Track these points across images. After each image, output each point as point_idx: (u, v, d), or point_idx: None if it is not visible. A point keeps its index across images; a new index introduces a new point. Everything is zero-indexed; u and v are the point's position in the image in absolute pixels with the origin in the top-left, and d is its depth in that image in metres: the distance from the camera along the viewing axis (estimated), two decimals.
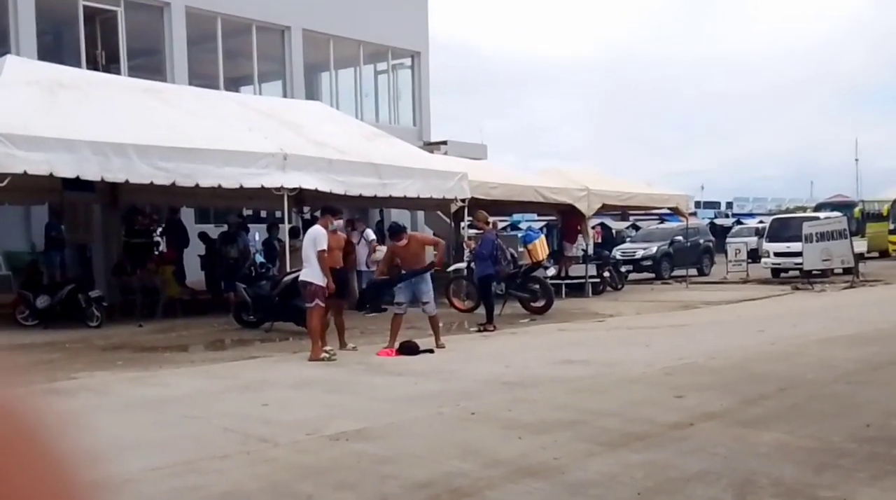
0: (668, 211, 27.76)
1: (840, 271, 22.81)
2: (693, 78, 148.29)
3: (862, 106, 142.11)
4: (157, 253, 18.33)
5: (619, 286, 21.89)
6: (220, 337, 13.50)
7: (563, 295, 18.93)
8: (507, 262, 14.84)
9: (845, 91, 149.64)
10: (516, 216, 32.44)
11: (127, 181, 12.97)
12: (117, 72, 19.65)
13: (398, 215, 22.06)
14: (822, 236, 22.22)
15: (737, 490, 4.83)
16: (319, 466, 5.55)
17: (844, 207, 32.35)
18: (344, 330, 11.59)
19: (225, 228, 19.48)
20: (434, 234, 23.77)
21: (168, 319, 15.27)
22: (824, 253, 22.02)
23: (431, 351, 11.02)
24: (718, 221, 45.77)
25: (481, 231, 15.00)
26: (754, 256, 27.81)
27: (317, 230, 10.99)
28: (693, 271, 25.87)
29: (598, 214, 23.44)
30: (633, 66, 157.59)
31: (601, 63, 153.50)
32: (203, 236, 19.10)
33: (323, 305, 10.74)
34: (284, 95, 23.54)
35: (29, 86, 13.39)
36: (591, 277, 20.46)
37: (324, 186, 14.48)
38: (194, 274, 18.85)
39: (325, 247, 10.71)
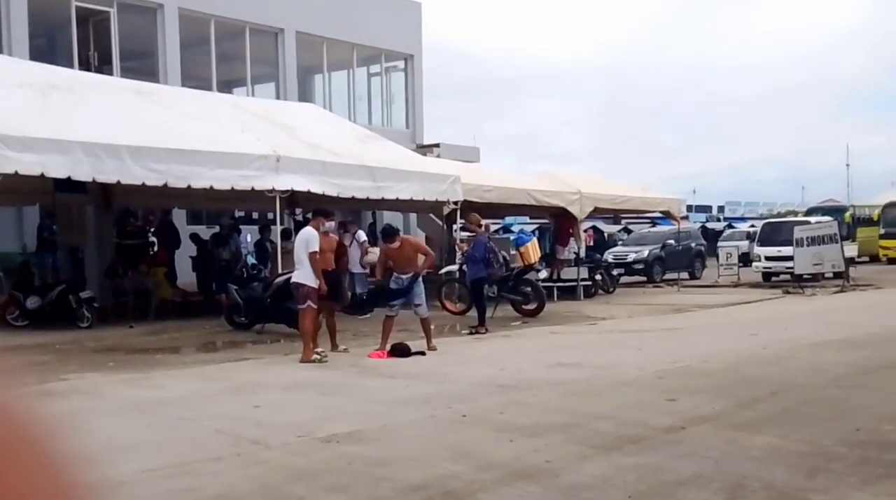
0: (660, 215, 27.84)
1: (831, 275, 22.89)
2: (690, 81, 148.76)
3: (856, 111, 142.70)
4: (152, 253, 18.27)
5: (611, 289, 21.91)
6: (211, 339, 13.47)
7: (555, 298, 18.95)
8: (499, 265, 14.85)
9: (839, 96, 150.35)
10: (509, 219, 32.46)
11: (119, 183, 12.94)
12: (110, 73, 19.62)
13: (391, 218, 22.10)
14: (813, 241, 22.29)
15: (728, 494, 4.85)
16: (311, 468, 5.55)
17: (835, 211, 32.45)
18: (336, 332, 11.59)
19: (217, 229, 19.45)
20: (427, 236, 23.81)
21: (160, 320, 15.23)
22: (815, 257, 22.09)
23: (423, 353, 11.02)
24: (710, 225, 45.86)
25: (474, 234, 15.01)
26: (745, 259, 27.87)
27: (309, 232, 10.99)
28: (684, 275, 25.91)
29: (590, 217, 23.48)
30: (631, 69, 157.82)
31: (599, 66, 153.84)
32: (195, 238, 19.06)
33: (315, 306, 10.73)
34: (278, 98, 23.55)
35: (21, 87, 13.36)
36: (583, 280, 20.49)
37: (317, 189, 14.48)
38: (186, 276, 18.81)
39: (316, 249, 10.70)
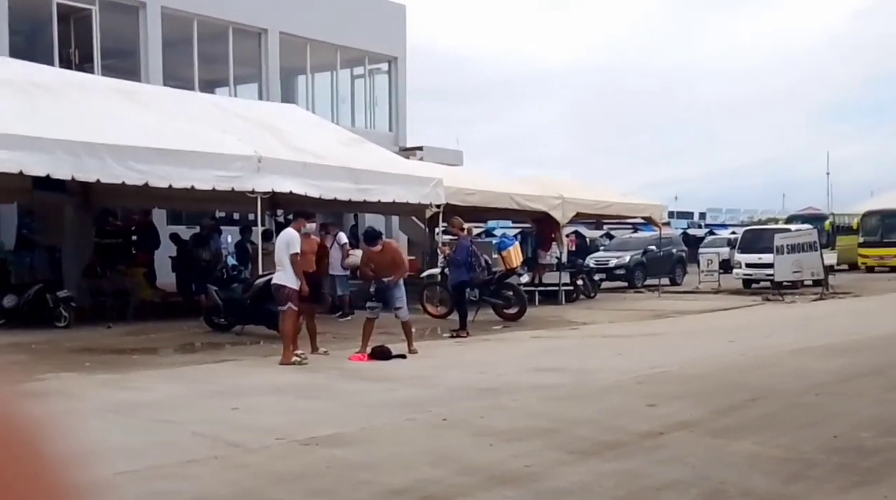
0: (642, 220, 27.93)
1: (810, 282, 23.05)
2: (673, 88, 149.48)
3: (837, 121, 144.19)
4: (133, 253, 18.12)
5: (593, 294, 21.98)
6: (190, 340, 13.38)
7: (537, 302, 18.97)
8: (481, 268, 14.84)
9: (821, 105, 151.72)
10: (491, 223, 32.47)
11: (99, 181, 12.84)
12: (91, 72, 19.46)
13: (373, 220, 22.02)
14: (793, 248, 22.43)
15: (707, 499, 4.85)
16: (291, 472, 5.50)
17: (815, 219, 32.69)
18: (316, 334, 11.53)
19: (197, 230, 19.32)
20: (409, 239, 23.81)
21: (138, 321, 15.11)
22: (795, 265, 22.23)
23: (404, 357, 10.99)
24: (691, 232, 46.08)
25: (456, 237, 15.00)
26: (726, 266, 28.02)
27: (290, 234, 10.93)
28: (666, 281, 26.02)
29: (572, 222, 23.53)
30: (615, 76, 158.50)
31: (583, 72, 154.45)
32: (174, 238, 18.92)
33: (296, 308, 10.68)
34: (260, 98, 23.46)
35: (0, 85, 13.23)
36: (565, 284, 20.52)
37: (298, 190, 14.41)
38: (165, 276, 18.68)
39: (298, 250, 10.66)
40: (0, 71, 13.88)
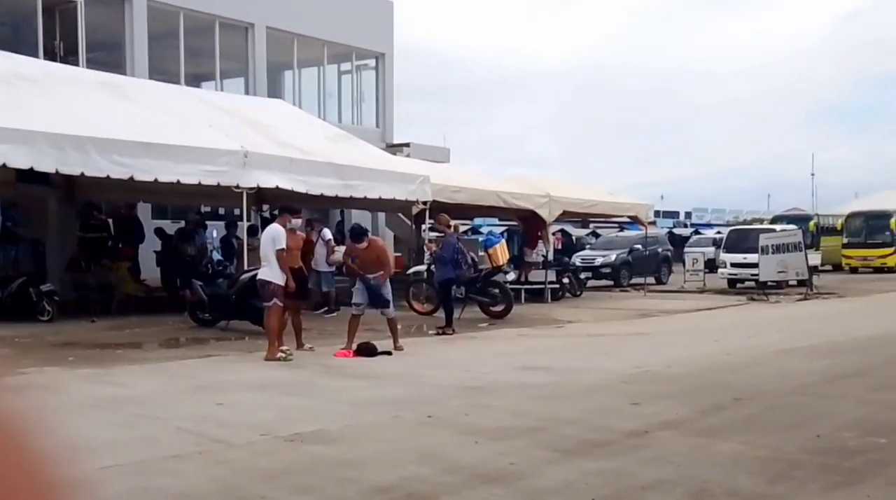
0: (628, 219, 28.00)
1: (794, 283, 23.17)
2: (660, 90, 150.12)
3: (822, 123, 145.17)
4: (118, 246, 17.99)
5: (579, 293, 22.02)
6: (175, 335, 13.32)
7: (523, 300, 18.98)
8: (467, 266, 14.83)
9: (806, 108, 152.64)
10: (478, 221, 32.50)
11: (83, 175, 12.74)
12: (76, 64, 19.28)
13: (359, 216, 21.99)
14: (778, 249, 22.56)
15: (691, 499, 4.86)
16: (275, 468, 5.48)
17: (800, 220, 32.86)
18: (301, 330, 11.50)
19: (182, 224, 19.22)
20: (395, 236, 23.78)
21: (122, 316, 15.02)
22: (780, 265, 22.35)
23: (389, 353, 10.97)
24: (677, 231, 46.25)
25: (443, 234, 14.98)
26: (711, 266, 28.15)
27: (275, 229, 10.88)
28: (651, 280, 26.11)
29: (558, 220, 23.56)
30: (601, 77, 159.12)
31: (570, 73, 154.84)
32: (159, 232, 18.81)
33: (281, 304, 10.64)
34: (247, 93, 23.33)
35: None
36: (551, 283, 20.55)
37: (284, 185, 14.36)
38: (149, 271, 18.57)
39: (284, 246, 10.61)
40: None
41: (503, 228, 31.44)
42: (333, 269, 15.99)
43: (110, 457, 5.54)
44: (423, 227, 18.09)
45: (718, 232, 39.65)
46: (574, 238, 37.20)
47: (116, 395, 8.07)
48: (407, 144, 26.46)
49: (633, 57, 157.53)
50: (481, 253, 16.93)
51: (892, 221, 34.97)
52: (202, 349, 11.69)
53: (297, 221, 11.62)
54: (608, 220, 34.65)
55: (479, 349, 12.08)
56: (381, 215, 23.33)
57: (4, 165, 11.80)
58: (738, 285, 25.09)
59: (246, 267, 14.03)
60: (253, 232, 15.34)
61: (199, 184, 13.59)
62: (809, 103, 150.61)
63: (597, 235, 37.16)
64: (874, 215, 35.78)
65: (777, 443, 6.10)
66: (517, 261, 20.91)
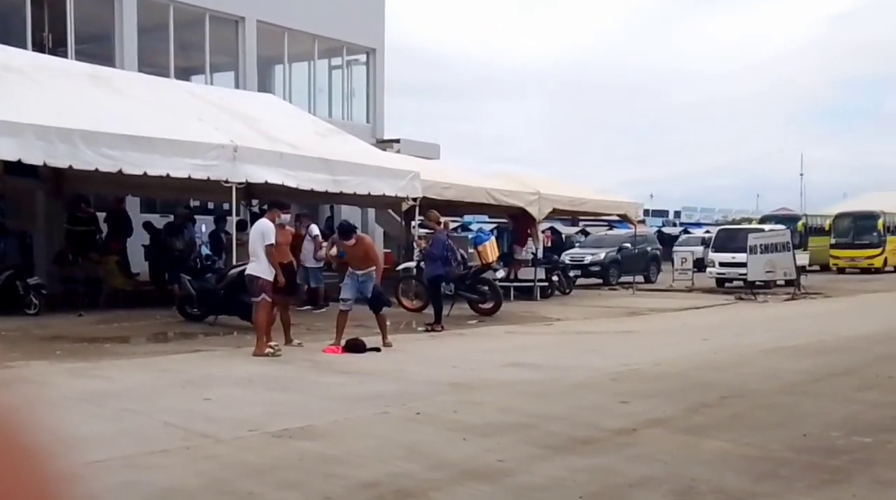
0: (617, 218, 28.06)
1: (782, 282, 23.26)
2: (649, 88, 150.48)
3: (810, 124, 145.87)
4: (104, 240, 17.92)
5: (568, 291, 22.06)
6: (163, 330, 13.27)
7: (512, 298, 19.00)
8: (457, 263, 14.84)
9: (794, 108, 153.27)
10: (467, 218, 32.49)
11: (71, 167, 12.68)
12: (65, 56, 19.19)
13: (349, 212, 21.95)
14: (767, 248, 22.64)
15: (678, 496, 4.87)
16: (262, 463, 5.47)
17: (788, 220, 33.03)
18: (290, 326, 11.48)
19: (171, 218, 19.15)
20: (385, 232, 23.75)
21: (110, 310, 14.96)
22: (768, 265, 22.43)
23: (378, 350, 10.97)
24: (666, 230, 46.39)
25: (432, 231, 14.97)
26: (700, 265, 28.24)
27: (264, 224, 10.84)
28: (640, 278, 26.18)
29: (548, 218, 23.58)
30: (591, 75, 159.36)
31: (559, 70, 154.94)
32: (147, 226, 18.74)
33: (270, 299, 10.61)
34: (237, 87, 23.26)
35: None
36: (540, 280, 20.58)
37: (273, 180, 14.32)
38: (138, 265, 18.50)
39: (273, 241, 10.58)
40: None
41: (493, 226, 31.44)
42: (321, 265, 15.94)
43: (97, 451, 5.51)
44: (413, 223, 18.08)
45: (707, 231, 39.82)
46: (563, 236, 37.24)
47: (104, 389, 8.04)
48: (397, 140, 26.42)
49: (622, 55, 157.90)
50: (471, 250, 16.94)
51: (880, 222, 35.18)
52: (190, 344, 11.66)
53: (286, 217, 11.59)
54: (598, 218, 34.73)
55: (468, 346, 12.09)
56: (371, 211, 23.29)
57: None
58: (727, 285, 25.19)
59: (235, 262, 14.00)
60: (242, 227, 15.30)
61: (189, 178, 13.54)
62: (797, 104, 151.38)
63: (586, 234, 37.24)
64: (862, 216, 35.98)
65: (764, 441, 6.13)
66: (507, 258, 20.92)
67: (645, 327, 15.13)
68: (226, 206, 16.78)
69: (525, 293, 20.10)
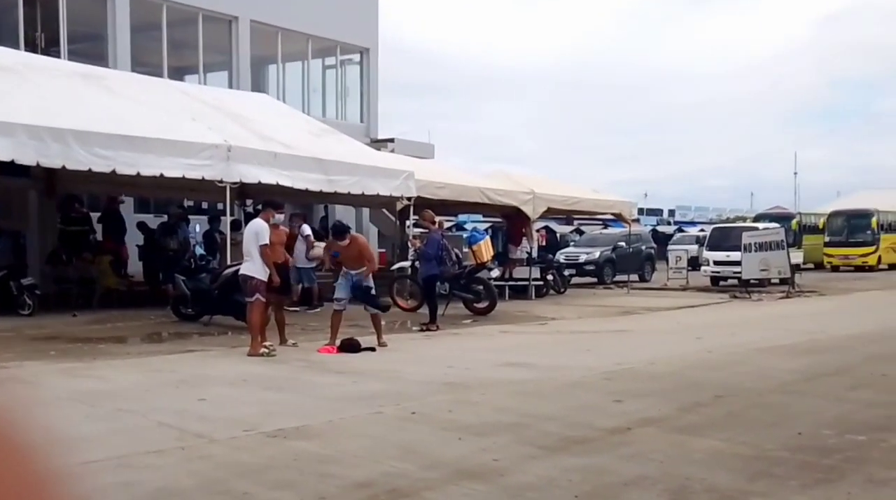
0: (611, 217, 28.09)
1: (777, 281, 23.31)
2: (645, 90, 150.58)
3: (803, 123, 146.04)
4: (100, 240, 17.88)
5: (562, 290, 22.07)
6: (157, 330, 13.26)
7: (507, 297, 19.01)
8: (451, 262, 14.84)
9: (789, 107, 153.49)
10: (462, 217, 32.51)
11: (64, 167, 12.65)
12: (57, 56, 19.13)
13: (343, 212, 21.94)
14: (761, 247, 22.67)
15: (672, 495, 4.88)
16: (256, 463, 5.46)
17: (783, 218, 33.06)
18: (284, 326, 11.47)
19: (165, 218, 19.12)
20: (379, 232, 23.73)
21: (104, 310, 14.93)
22: (762, 263, 22.47)
23: (373, 349, 10.96)
24: (661, 229, 46.45)
25: (427, 230, 14.97)
26: (694, 263, 28.29)
27: (259, 224, 10.83)
28: (635, 277, 26.21)
29: (542, 217, 23.60)
30: (584, 75, 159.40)
31: (552, 70, 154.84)
32: (142, 226, 18.71)
33: (264, 299, 10.60)
34: (230, 87, 23.21)
35: None
36: (535, 280, 20.60)
37: (267, 180, 14.30)
38: (133, 265, 18.48)
39: (267, 241, 10.57)
40: None
41: (487, 225, 31.46)
42: (313, 265, 15.90)
43: (91, 452, 5.50)
44: (408, 223, 18.08)
45: (702, 230, 39.89)
46: (558, 235, 37.30)
47: (98, 389, 8.03)
48: (391, 140, 26.42)
49: (617, 56, 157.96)
50: (465, 250, 16.94)
51: (874, 220, 35.31)
52: (184, 344, 11.65)
53: (280, 216, 11.58)
54: (592, 217, 34.77)
55: (463, 346, 12.10)
56: (366, 211, 23.29)
57: None
58: (721, 283, 25.24)
59: (229, 262, 13.98)
60: (236, 227, 15.27)
61: (183, 178, 13.52)
62: (790, 104, 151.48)
63: (581, 233, 37.29)
64: (856, 214, 36.10)
65: (757, 440, 6.14)
66: (501, 258, 20.93)
67: (639, 326, 15.15)
68: (220, 206, 16.73)
69: (520, 293, 20.11)
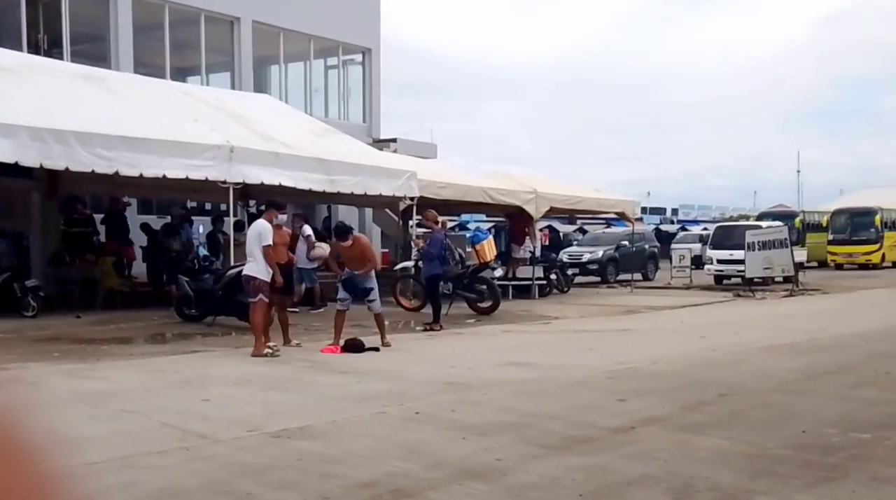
0: (614, 216, 28.06)
1: (780, 279, 23.28)
2: (647, 89, 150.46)
3: (803, 123, 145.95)
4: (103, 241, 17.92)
5: (566, 289, 22.05)
6: (160, 330, 13.26)
7: (510, 296, 19.00)
8: (455, 262, 14.84)
9: (789, 107, 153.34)
10: (465, 217, 32.51)
11: (67, 169, 12.66)
12: (59, 57, 19.15)
13: (346, 212, 21.94)
14: (764, 245, 22.63)
15: (676, 494, 4.87)
16: (260, 464, 5.47)
17: (786, 217, 33.01)
18: (288, 326, 11.47)
19: (168, 219, 19.15)
20: (382, 232, 23.74)
21: (107, 311, 14.95)
22: (766, 261, 22.43)
23: (377, 349, 10.96)
24: (664, 228, 46.44)
25: (430, 230, 14.97)
26: (698, 262, 28.26)
27: (262, 225, 10.84)
28: (638, 276, 26.17)
29: (545, 217, 23.59)
30: (585, 74, 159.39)
31: (554, 70, 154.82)
32: (145, 228, 18.74)
33: (267, 300, 10.60)
34: (233, 88, 23.23)
35: None
36: (538, 279, 20.58)
37: (270, 180, 14.31)
38: (136, 266, 18.50)
39: (270, 242, 10.57)
40: None
41: (490, 225, 31.45)
42: (315, 265, 15.87)
43: (95, 452, 5.51)
44: (411, 223, 18.08)
45: (705, 229, 39.86)
46: (561, 234, 37.24)
47: (101, 390, 8.03)
48: (394, 140, 26.41)
49: (619, 55, 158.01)
50: (468, 249, 16.92)
51: (877, 218, 35.24)
52: (188, 345, 11.66)
53: (283, 217, 11.59)
54: (595, 216, 34.75)
55: (466, 345, 12.09)
56: (368, 211, 23.29)
57: None
58: (725, 282, 25.20)
59: (232, 263, 13.99)
60: (239, 227, 15.30)
61: (186, 178, 13.53)
62: (790, 104, 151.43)
63: (584, 232, 37.26)
64: (859, 212, 36.04)
65: (761, 439, 6.13)
66: (504, 257, 20.92)
67: (642, 325, 15.13)
68: (223, 206, 16.75)
69: (523, 292, 20.10)
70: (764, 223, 28.09)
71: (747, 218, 40.00)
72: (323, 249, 14.99)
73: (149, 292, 17.38)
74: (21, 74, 13.96)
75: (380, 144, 24.98)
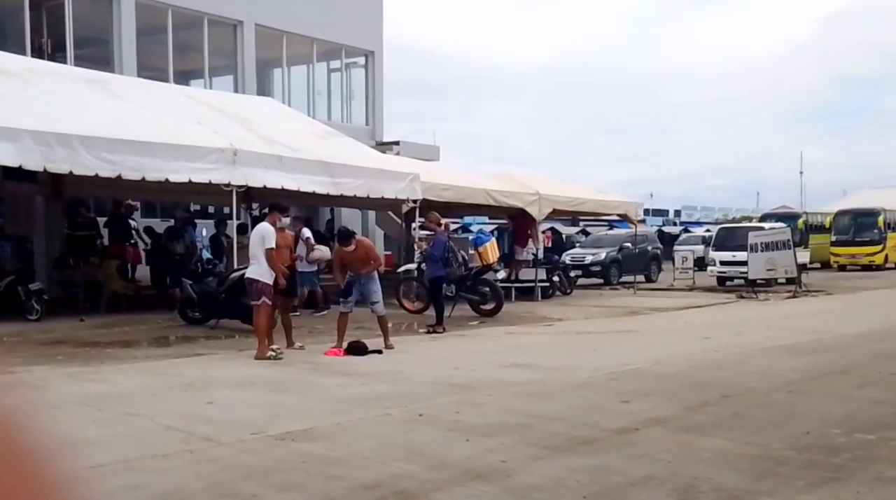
0: (617, 218, 28.06)
1: (783, 280, 23.26)
2: (648, 90, 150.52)
3: (804, 123, 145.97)
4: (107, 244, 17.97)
5: (568, 291, 22.05)
6: (164, 333, 13.27)
7: (513, 298, 19.01)
8: (458, 264, 14.84)
9: (790, 107, 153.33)
10: (468, 219, 32.52)
11: (71, 173, 12.68)
12: (63, 61, 19.19)
13: (349, 215, 21.97)
14: (767, 246, 22.62)
15: (680, 495, 4.87)
16: (264, 466, 5.47)
17: (789, 218, 33.01)
18: (291, 329, 11.48)
19: (171, 222, 19.18)
20: (385, 234, 23.75)
21: (111, 314, 14.97)
22: (769, 263, 22.42)
23: (380, 352, 10.97)
24: (666, 229, 46.43)
25: (433, 232, 14.98)
26: (701, 263, 28.25)
27: (265, 228, 10.85)
28: (641, 278, 26.17)
29: (548, 218, 23.60)
30: (587, 75, 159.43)
31: (557, 73, 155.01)
32: (148, 231, 18.78)
33: (270, 302, 10.61)
34: (236, 91, 23.26)
35: None
36: (541, 281, 20.58)
37: (274, 183, 14.32)
38: (140, 269, 18.53)
39: (273, 245, 10.58)
40: None
41: (493, 227, 31.46)
42: (314, 268, 15.82)
43: (99, 455, 5.52)
44: (413, 225, 18.08)
45: (708, 230, 39.82)
46: (564, 236, 37.27)
47: (105, 393, 8.05)
48: (397, 142, 26.44)
49: (620, 56, 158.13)
50: (471, 251, 16.94)
51: (880, 218, 35.20)
52: (191, 348, 11.67)
53: (286, 220, 11.60)
54: (598, 218, 34.73)
55: (469, 347, 12.09)
56: (371, 213, 23.30)
57: None
58: (728, 283, 25.19)
59: (235, 265, 14.00)
60: (242, 230, 15.32)
61: (190, 181, 13.56)
62: (791, 103, 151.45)
63: (586, 234, 37.25)
64: (862, 213, 35.99)
65: (764, 440, 6.13)
66: (507, 259, 20.93)
67: (645, 326, 15.13)
68: (226, 209, 16.77)
69: (526, 294, 20.10)
70: (767, 225, 28.08)
71: (750, 219, 39.98)
72: (322, 251, 14.99)
73: (152, 294, 17.40)
74: (25, 78, 13.99)
75: (383, 146, 25.00)
